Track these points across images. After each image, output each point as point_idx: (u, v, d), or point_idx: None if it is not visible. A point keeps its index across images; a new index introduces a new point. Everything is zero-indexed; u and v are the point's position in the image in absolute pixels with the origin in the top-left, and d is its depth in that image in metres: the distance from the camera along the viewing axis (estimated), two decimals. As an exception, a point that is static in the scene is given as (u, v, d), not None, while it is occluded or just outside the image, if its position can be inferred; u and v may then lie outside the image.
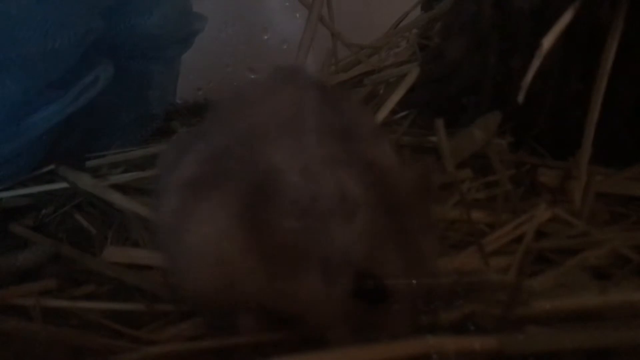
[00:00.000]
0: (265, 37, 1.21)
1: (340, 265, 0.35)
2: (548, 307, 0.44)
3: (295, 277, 0.36)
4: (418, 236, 0.36)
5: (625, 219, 0.59)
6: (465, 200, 0.58)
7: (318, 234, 0.35)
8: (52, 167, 0.74)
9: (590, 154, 0.62)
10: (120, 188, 0.68)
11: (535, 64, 0.56)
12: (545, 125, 0.70)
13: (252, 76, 1.12)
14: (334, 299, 0.35)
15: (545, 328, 0.41)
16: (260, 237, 0.36)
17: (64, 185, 0.71)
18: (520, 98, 0.56)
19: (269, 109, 0.40)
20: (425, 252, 0.36)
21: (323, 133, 0.37)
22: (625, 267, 0.50)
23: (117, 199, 0.66)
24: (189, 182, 0.39)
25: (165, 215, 0.40)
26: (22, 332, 0.46)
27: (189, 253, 0.38)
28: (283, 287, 0.36)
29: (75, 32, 0.65)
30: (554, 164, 0.68)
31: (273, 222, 0.35)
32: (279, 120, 0.39)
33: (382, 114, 0.73)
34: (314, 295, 0.35)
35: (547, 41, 0.56)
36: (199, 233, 0.38)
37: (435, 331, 0.41)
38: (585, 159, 0.62)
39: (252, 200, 0.36)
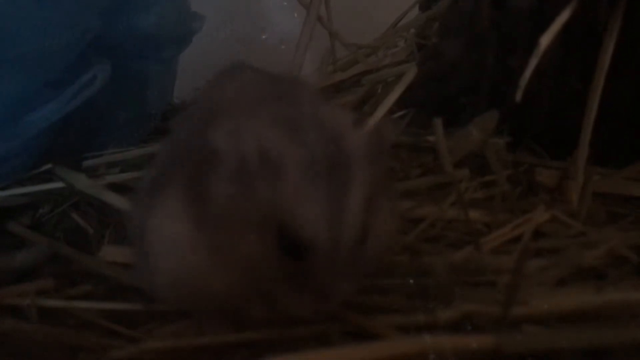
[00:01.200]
0: (264, 36, 1.21)
1: (269, 224, 0.35)
2: (546, 307, 0.44)
3: (236, 244, 0.36)
4: (354, 196, 0.35)
5: (623, 219, 0.59)
6: (462, 199, 0.58)
7: (249, 196, 0.35)
8: (49, 166, 0.73)
9: (588, 154, 0.62)
10: (117, 188, 0.68)
11: (533, 62, 0.56)
12: (543, 124, 0.70)
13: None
14: (264, 257, 0.36)
15: (543, 327, 0.41)
16: (203, 213, 0.36)
17: (60, 184, 0.71)
18: (518, 97, 0.56)
19: (215, 98, 0.43)
20: (355, 211, 0.35)
21: (259, 102, 0.38)
22: (623, 267, 0.50)
23: (114, 198, 0.66)
24: (150, 184, 0.41)
25: (134, 221, 0.42)
26: (18, 332, 0.46)
27: (150, 252, 0.39)
28: (226, 257, 0.36)
29: (73, 32, 0.65)
30: (551, 163, 0.68)
31: (210, 194, 0.36)
32: (223, 105, 0.40)
33: (380, 113, 0.73)
34: (251, 256, 0.36)
35: (545, 40, 0.56)
36: (155, 230, 0.39)
37: (432, 330, 0.41)
38: (582, 158, 0.62)
39: (193, 181, 0.37)
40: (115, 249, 0.56)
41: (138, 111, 0.82)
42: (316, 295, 0.36)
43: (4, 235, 0.62)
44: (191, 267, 0.38)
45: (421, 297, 0.45)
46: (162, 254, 0.39)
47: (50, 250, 0.59)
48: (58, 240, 0.61)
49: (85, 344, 0.44)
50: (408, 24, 1.01)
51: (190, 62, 0.93)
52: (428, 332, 0.40)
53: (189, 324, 0.45)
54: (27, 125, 0.65)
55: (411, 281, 0.47)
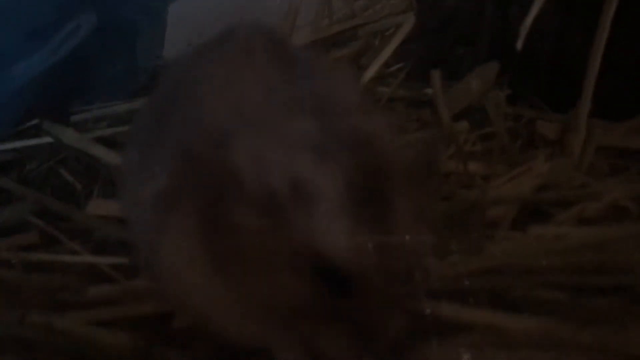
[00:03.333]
0: (258, -14, 1.18)
1: (304, 259, 0.31)
2: (545, 263, 0.43)
3: (262, 281, 0.32)
4: (401, 222, 0.31)
5: (625, 172, 0.57)
6: (461, 152, 0.57)
7: (278, 230, 0.31)
8: (36, 121, 0.72)
9: (590, 107, 0.61)
10: (106, 142, 0.67)
11: (535, 9, 0.54)
12: (544, 76, 0.68)
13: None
14: (298, 296, 0.31)
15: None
16: (222, 246, 0.33)
17: (48, 140, 0.69)
18: (519, 45, 0.54)
19: (228, 94, 0.36)
20: (406, 240, 0.32)
21: (289, 113, 0.33)
22: (624, 219, 0.49)
23: (103, 153, 0.64)
24: (159, 195, 0.36)
25: (142, 231, 0.38)
26: (4, 281, 0.45)
27: (164, 276, 0.36)
28: (252, 301, 0.33)
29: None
30: (552, 116, 0.66)
31: (232, 226, 0.32)
32: (239, 109, 0.35)
33: (376, 66, 0.71)
34: (280, 295, 0.32)
35: (547, -15, 0.54)
36: (169, 255, 0.35)
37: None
38: (585, 111, 0.61)
39: (209, 207, 0.33)
40: (104, 203, 0.55)
41: (127, 64, 0.80)
42: (364, 336, 0.32)
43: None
44: (208, 304, 0.34)
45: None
46: (175, 285, 0.35)
47: (37, 206, 0.57)
48: (46, 196, 0.60)
49: (67, 285, 0.44)
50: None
51: (183, 16, 0.91)
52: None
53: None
54: (9, 78, 0.63)
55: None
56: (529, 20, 0.54)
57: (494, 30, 0.70)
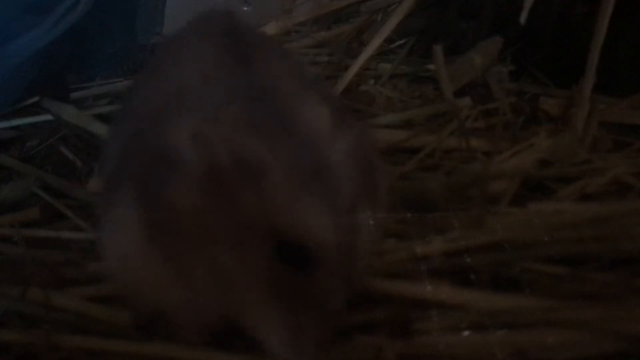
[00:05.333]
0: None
1: (254, 234, 0.30)
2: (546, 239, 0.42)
3: (208, 260, 0.31)
4: (345, 199, 0.31)
5: (628, 147, 0.57)
6: (463, 128, 0.56)
7: (222, 207, 0.30)
8: (36, 99, 0.71)
9: (594, 81, 0.60)
10: (106, 119, 0.66)
11: (540, -18, 0.53)
12: (548, 50, 0.67)
13: (245, 8, 1.08)
14: (254, 272, 0.31)
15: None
16: (160, 224, 0.32)
17: (48, 117, 0.69)
18: (523, 19, 0.54)
19: (175, 77, 0.37)
20: (356, 209, 0.32)
21: (228, 94, 0.34)
22: (627, 194, 0.49)
23: (103, 130, 0.64)
24: (107, 178, 0.37)
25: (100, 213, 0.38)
26: (5, 257, 0.46)
27: (106, 256, 0.36)
28: (197, 276, 0.32)
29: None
30: (556, 92, 0.66)
31: (171, 204, 0.31)
32: (182, 90, 0.35)
33: (377, 42, 0.70)
34: (231, 273, 0.31)
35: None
36: (109, 236, 0.35)
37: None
38: (588, 86, 0.60)
39: (149, 188, 0.32)
40: (104, 180, 0.55)
41: (126, 41, 0.79)
42: (321, 310, 0.31)
43: (-9, 168, 0.61)
44: (145, 282, 0.34)
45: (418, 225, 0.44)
46: (114, 263, 0.35)
47: (38, 183, 0.57)
48: (47, 173, 0.60)
49: (68, 261, 0.44)
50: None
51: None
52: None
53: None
54: (8, 54, 0.62)
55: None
56: (533, -8, 0.53)
57: (497, 3, 0.69)
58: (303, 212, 0.30)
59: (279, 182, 0.30)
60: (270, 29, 0.80)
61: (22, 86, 0.70)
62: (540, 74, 0.69)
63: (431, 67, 0.69)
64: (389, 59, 0.76)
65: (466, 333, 0.36)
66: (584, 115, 0.59)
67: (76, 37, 0.70)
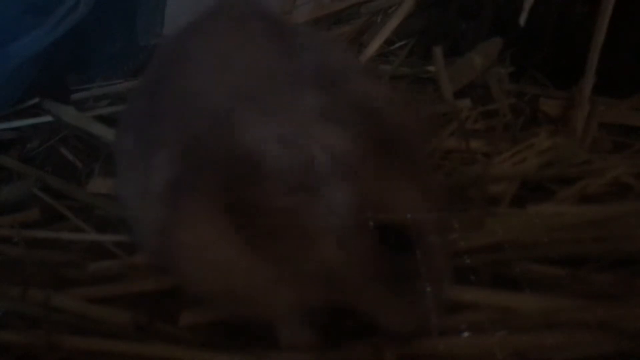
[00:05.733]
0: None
1: (356, 226, 0.31)
2: (546, 240, 0.42)
3: (307, 256, 0.32)
4: (424, 172, 0.32)
5: (628, 148, 0.57)
6: (463, 128, 0.56)
7: (316, 205, 0.31)
8: (36, 100, 0.71)
9: (594, 82, 0.60)
10: (106, 120, 0.66)
11: (540, -17, 0.53)
12: (547, 51, 0.67)
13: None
14: (359, 262, 0.31)
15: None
16: (254, 228, 0.32)
17: (48, 118, 0.69)
18: (522, 21, 0.54)
19: (226, 70, 0.35)
20: (435, 186, 0.33)
21: (295, 86, 0.33)
22: (627, 195, 0.49)
23: (103, 131, 0.64)
24: (168, 186, 0.35)
25: (150, 222, 0.36)
26: (6, 258, 0.46)
27: (189, 264, 0.35)
28: (298, 274, 0.33)
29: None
30: (555, 93, 0.66)
31: (263, 207, 0.31)
32: (242, 87, 0.34)
33: (377, 43, 0.70)
34: (336, 265, 0.32)
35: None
36: (192, 244, 0.34)
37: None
38: (588, 87, 0.60)
39: (236, 193, 0.32)
40: (105, 181, 0.55)
41: (127, 42, 0.79)
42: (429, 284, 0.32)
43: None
44: (242, 280, 0.34)
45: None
46: (200, 266, 0.34)
47: (38, 184, 0.57)
48: (47, 174, 0.60)
49: (68, 262, 0.44)
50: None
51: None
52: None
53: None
54: (9, 54, 0.62)
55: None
56: (532, -6, 0.53)
57: (496, 4, 0.70)
58: (399, 196, 0.31)
59: (371, 172, 0.31)
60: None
61: (22, 87, 0.70)
62: (540, 75, 0.69)
63: (431, 68, 0.69)
64: (389, 60, 0.76)
65: (466, 334, 0.36)
66: (583, 116, 0.59)
67: (76, 38, 0.70)
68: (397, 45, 0.79)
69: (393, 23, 0.71)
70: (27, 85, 0.70)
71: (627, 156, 0.55)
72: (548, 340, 0.35)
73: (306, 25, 0.83)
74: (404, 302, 0.32)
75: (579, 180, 0.50)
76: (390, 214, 0.31)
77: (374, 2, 0.83)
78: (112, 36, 0.77)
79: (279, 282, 0.33)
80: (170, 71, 0.38)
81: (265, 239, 0.32)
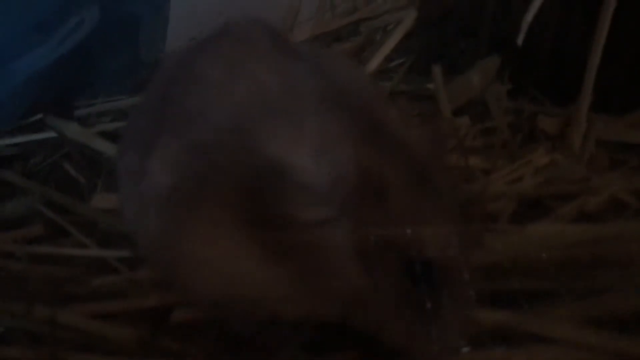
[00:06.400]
0: (260, -18, 1.17)
1: (381, 251, 0.31)
2: (545, 256, 0.43)
3: (328, 276, 0.32)
4: (451, 200, 0.32)
5: (625, 166, 0.58)
6: (462, 145, 0.57)
7: (345, 223, 0.31)
8: (39, 116, 0.72)
9: (591, 100, 0.61)
10: (109, 136, 0.67)
11: (537, 3, 0.54)
12: (545, 69, 0.68)
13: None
14: (381, 289, 0.31)
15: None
16: (276, 240, 0.31)
17: (52, 134, 0.70)
18: (520, 40, 0.54)
19: (238, 86, 0.34)
20: (461, 216, 0.33)
21: (321, 103, 0.32)
22: (624, 213, 0.49)
23: (106, 147, 0.65)
24: (170, 195, 0.34)
25: (149, 233, 0.35)
26: (6, 270, 0.46)
27: (196, 274, 0.34)
28: (317, 290, 0.32)
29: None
30: (553, 111, 0.66)
31: (287, 221, 0.31)
32: (259, 96, 0.33)
33: (377, 60, 0.71)
34: (357, 291, 0.31)
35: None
36: (203, 254, 0.33)
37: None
38: (585, 105, 0.61)
39: (257, 203, 0.31)
40: (108, 196, 0.56)
41: (130, 59, 0.80)
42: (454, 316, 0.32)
43: (-6, 184, 0.61)
44: (261, 291, 0.33)
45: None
46: (210, 277, 0.34)
47: (42, 199, 0.58)
48: (50, 190, 0.60)
49: (72, 277, 0.44)
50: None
51: (185, 11, 0.91)
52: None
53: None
54: (13, 71, 0.63)
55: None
56: (530, 15, 0.54)
57: (495, 23, 0.70)
58: (428, 228, 0.31)
59: (402, 200, 0.30)
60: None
61: (26, 103, 0.70)
62: (537, 93, 0.69)
63: (430, 86, 0.70)
64: (389, 77, 0.77)
65: (466, 350, 0.36)
66: (581, 133, 0.60)
67: (80, 54, 0.70)
68: (396, 62, 0.80)
69: (393, 41, 0.72)
70: (31, 102, 0.70)
71: (624, 173, 0.55)
72: (546, 357, 0.35)
73: (307, 43, 0.84)
74: (427, 331, 0.31)
75: (577, 197, 0.50)
76: (420, 244, 0.30)
77: (373, 20, 0.85)
78: (115, 53, 0.78)
79: (295, 294, 0.33)
80: (175, 89, 0.38)
81: (286, 252, 0.32)
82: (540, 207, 0.51)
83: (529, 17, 0.54)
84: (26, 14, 0.63)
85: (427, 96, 0.71)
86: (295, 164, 0.31)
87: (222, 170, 0.32)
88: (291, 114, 0.32)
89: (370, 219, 0.30)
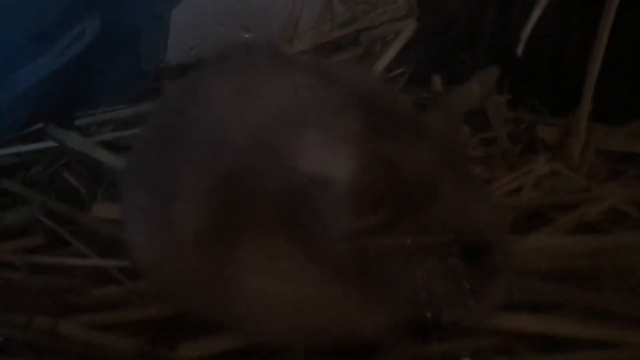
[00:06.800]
0: (260, -7, 1.18)
1: (441, 243, 0.31)
2: (545, 266, 0.43)
3: (396, 280, 0.32)
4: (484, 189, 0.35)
5: (624, 175, 0.58)
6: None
7: (401, 223, 0.31)
8: (40, 125, 0.72)
9: (590, 111, 0.61)
10: (110, 146, 0.67)
11: (536, 14, 0.54)
12: (544, 80, 0.68)
13: (247, 35, 1.09)
14: (447, 274, 0.32)
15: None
16: (335, 255, 0.31)
17: (52, 144, 0.70)
18: (519, 51, 0.55)
19: (255, 106, 0.33)
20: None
21: (340, 108, 0.32)
22: (624, 223, 0.49)
23: (107, 157, 0.65)
24: (209, 230, 0.32)
25: (187, 273, 0.34)
26: (6, 280, 0.46)
27: (258, 306, 0.32)
28: (390, 297, 0.33)
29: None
30: (552, 120, 0.67)
31: (340, 233, 0.30)
32: (277, 115, 0.32)
33: (377, 70, 0.72)
34: (428, 283, 0.32)
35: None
36: (261, 284, 0.32)
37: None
38: (585, 115, 0.61)
39: (305, 221, 0.31)
40: (108, 206, 0.56)
41: (130, 68, 0.80)
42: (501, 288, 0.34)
43: (-5, 194, 0.61)
44: (340, 319, 0.33)
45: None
46: (289, 314, 0.33)
47: (42, 209, 0.58)
48: (51, 199, 0.60)
49: (72, 287, 0.44)
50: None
51: (185, 21, 0.91)
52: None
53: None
54: (14, 81, 0.63)
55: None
56: (529, 26, 0.54)
57: (494, 34, 0.71)
58: (478, 215, 0.32)
59: (454, 192, 0.32)
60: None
61: (27, 113, 0.70)
62: (537, 103, 0.70)
63: (430, 96, 0.70)
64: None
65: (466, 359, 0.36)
66: (580, 143, 0.60)
67: (81, 64, 0.70)
68: (396, 72, 0.80)
69: (392, 51, 0.73)
70: (32, 111, 0.70)
71: (624, 183, 0.56)
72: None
73: (307, 53, 0.84)
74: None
75: (576, 207, 0.50)
76: (475, 230, 0.32)
77: (373, 30, 0.85)
78: (116, 63, 0.78)
79: (370, 304, 0.33)
80: (184, 120, 0.36)
81: (349, 265, 0.31)
82: (540, 217, 0.51)
83: (529, 27, 0.54)
84: (27, 24, 0.63)
85: (426, 106, 0.72)
86: (335, 173, 0.30)
87: (259, 194, 0.31)
88: (315, 124, 0.32)
89: (429, 215, 0.31)
